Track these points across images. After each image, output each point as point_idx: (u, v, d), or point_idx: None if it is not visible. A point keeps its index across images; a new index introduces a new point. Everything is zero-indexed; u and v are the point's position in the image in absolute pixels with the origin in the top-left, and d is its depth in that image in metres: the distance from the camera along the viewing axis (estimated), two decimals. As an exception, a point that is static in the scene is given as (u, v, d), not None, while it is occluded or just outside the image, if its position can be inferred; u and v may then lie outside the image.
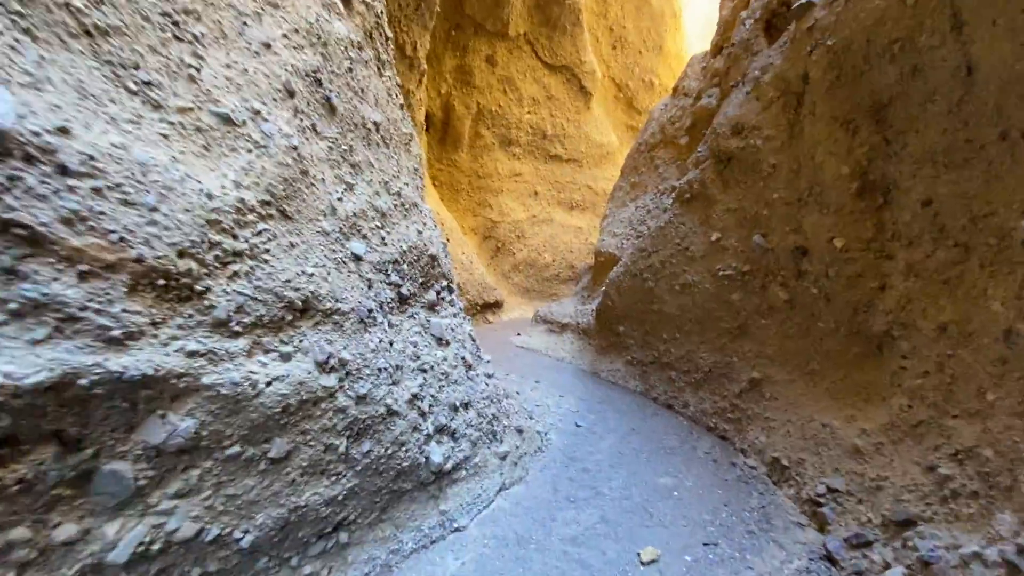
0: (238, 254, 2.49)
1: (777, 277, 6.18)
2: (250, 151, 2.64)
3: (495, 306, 16.26)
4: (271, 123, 2.82)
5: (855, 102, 4.95)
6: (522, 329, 14.11)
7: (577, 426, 7.21)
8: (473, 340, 5.41)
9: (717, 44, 9.29)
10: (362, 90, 4.03)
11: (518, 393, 8.31)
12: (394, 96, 4.87)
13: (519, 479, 5.42)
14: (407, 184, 4.53)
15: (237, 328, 2.47)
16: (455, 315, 5.18)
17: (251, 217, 2.57)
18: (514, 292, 18.83)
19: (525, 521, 4.78)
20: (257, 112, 2.77)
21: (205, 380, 2.31)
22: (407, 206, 4.35)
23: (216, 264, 2.37)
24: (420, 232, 4.40)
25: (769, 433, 6.17)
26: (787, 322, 6.16)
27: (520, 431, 5.73)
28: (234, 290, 2.45)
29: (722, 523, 5.06)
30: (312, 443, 3.01)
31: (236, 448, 2.57)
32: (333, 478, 3.23)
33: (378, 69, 4.54)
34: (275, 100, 2.93)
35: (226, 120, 2.58)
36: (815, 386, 5.79)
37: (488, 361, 5.79)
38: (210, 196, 2.33)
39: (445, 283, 4.99)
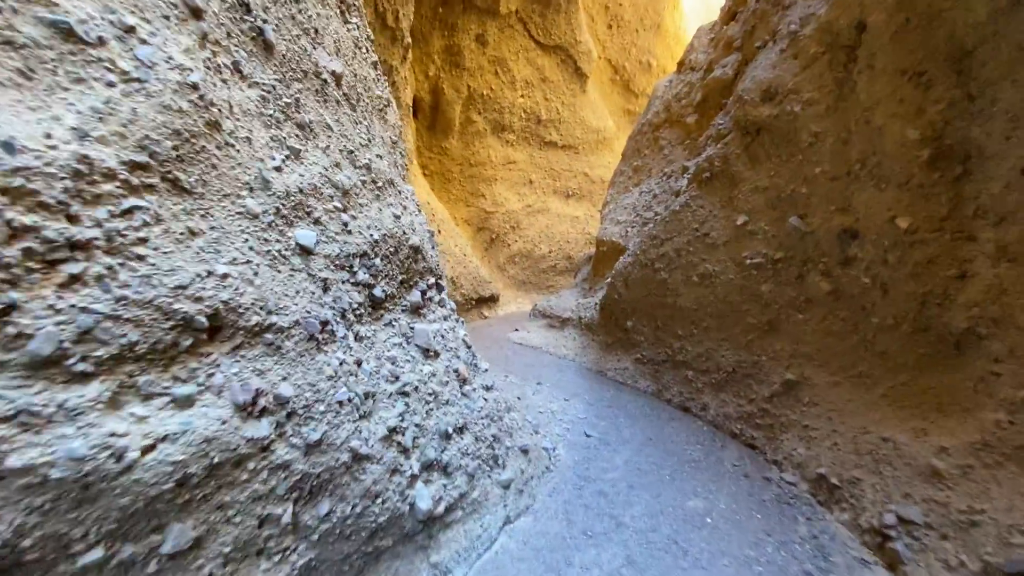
0: (80, 247, 1.50)
1: (818, 265, 5.23)
2: (112, 85, 1.64)
3: (491, 300, 15.31)
4: (154, 48, 1.81)
5: (929, 50, 3.97)
6: (520, 324, 13.15)
7: (587, 436, 6.27)
8: (468, 347, 4.42)
9: (730, 9, 8.26)
10: (316, 31, 2.99)
11: (519, 399, 7.35)
12: (364, 51, 3.83)
13: (526, 508, 4.47)
14: (381, 157, 3.51)
15: (83, 367, 1.49)
16: (446, 318, 4.19)
17: (108, 187, 1.57)
18: (510, 285, 17.90)
19: (535, 567, 3.83)
20: (130, 29, 1.76)
21: (14, 461, 1.33)
22: (380, 184, 3.33)
23: (28, 264, 1.39)
24: (398, 217, 3.38)
25: (809, 444, 5.25)
26: (829, 316, 5.22)
27: (525, 451, 4.77)
28: (73, 306, 1.47)
29: (770, 560, 4.14)
30: (238, 519, 2.03)
31: (98, 553, 1.59)
32: (276, 557, 2.25)
33: (341, 12, 3.49)
34: (165, 18, 1.92)
35: (66, 34, 1.58)
36: (867, 391, 4.87)
37: (486, 370, 4.81)
38: (9, 148, 1.33)
39: (432, 280, 3.99)
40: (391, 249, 3.22)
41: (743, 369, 6.32)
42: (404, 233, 3.37)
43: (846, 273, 4.94)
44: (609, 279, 9.06)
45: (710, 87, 8.22)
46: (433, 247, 4.22)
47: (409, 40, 8.62)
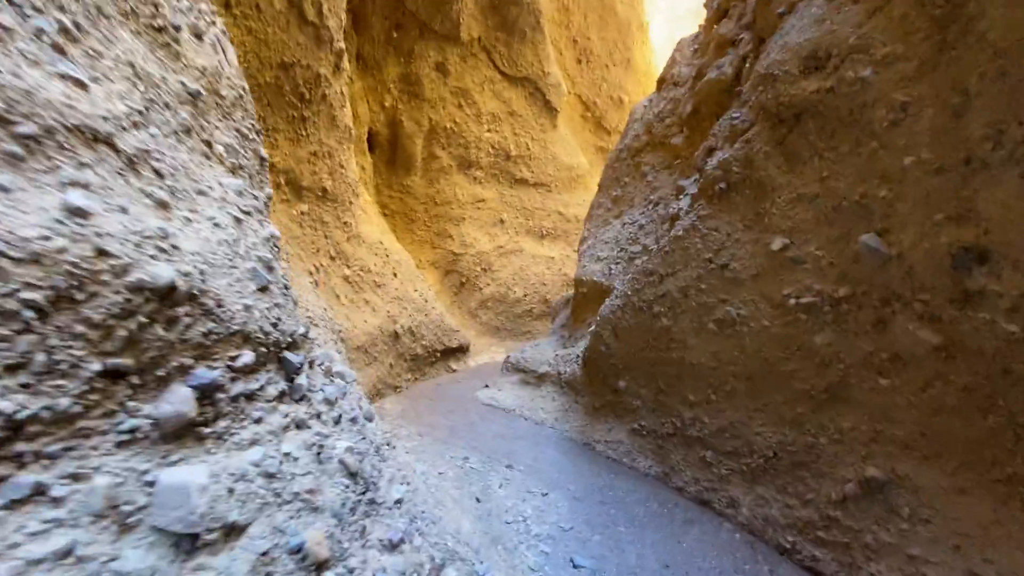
0: None
1: (912, 304, 3.30)
2: None
3: (459, 352, 13.12)
4: None
5: None
6: (492, 379, 10.95)
7: (575, 567, 4.06)
8: (353, 473, 2.28)
9: (720, 6, 6.77)
10: None
11: (479, 501, 5.09)
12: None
13: None
14: (85, 88, 1.46)
15: None
16: (299, 424, 2.08)
17: None
18: (483, 332, 15.83)
19: None
20: None
21: None
22: (34, 135, 1.28)
23: None
24: (79, 216, 1.32)
25: (928, 589, 3.15)
26: (937, 383, 3.25)
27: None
28: None
29: None
30: None
31: None
32: None
33: None
34: None
35: None
36: (1032, 511, 2.85)
37: (398, 502, 2.63)
38: None
39: (250, 355, 1.90)
40: (51, 291, 1.14)
41: (791, 454, 4.26)
42: (102, 254, 1.29)
43: (968, 316, 3.02)
44: (593, 326, 7.05)
45: (703, 94, 6.58)
46: (271, 288, 2.13)
47: (342, 46, 6.88)
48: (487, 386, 10.49)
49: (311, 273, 7.73)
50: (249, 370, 1.87)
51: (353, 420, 2.63)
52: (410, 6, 10.59)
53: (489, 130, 13.82)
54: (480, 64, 12.64)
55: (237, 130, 2.49)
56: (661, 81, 8.80)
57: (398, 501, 2.61)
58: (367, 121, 11.91)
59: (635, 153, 9.11)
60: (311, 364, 2.41)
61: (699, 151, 6.36)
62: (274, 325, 2.02)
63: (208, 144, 2.16)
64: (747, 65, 5.32)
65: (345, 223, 8.64)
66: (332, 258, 8.47)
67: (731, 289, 4.53)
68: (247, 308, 1.85)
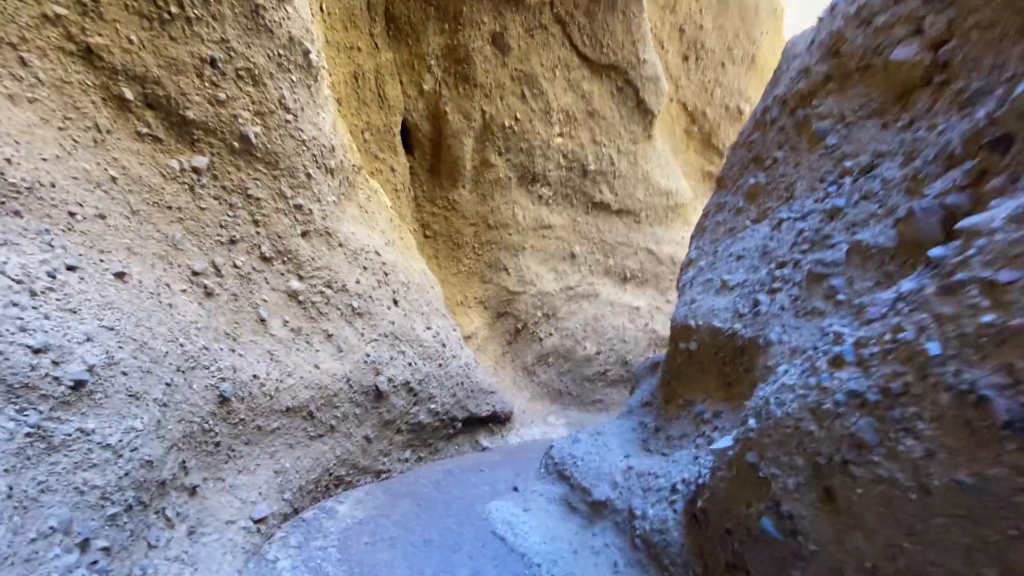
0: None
1: None
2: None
3: (493, 421, 8.83)
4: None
5: None
6: (526, 477, 6.50)
7: None
8: None
9: None
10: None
11: None
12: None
13: None
14: None
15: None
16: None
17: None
18: (540, 394, 11.51)
19: None
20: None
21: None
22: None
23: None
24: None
25: None
26: None
27: None
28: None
29: None
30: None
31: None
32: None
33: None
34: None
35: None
36: None
37: None
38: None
39: None
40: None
41: None
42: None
43: None
44: (730, 440, 2.50)
45: None
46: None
47: None
48: (516, 489, 6.08)
49: (195, 275, 4.20)
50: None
51: None
52: (456, -53, 7.53)
53: (561, 133, 10.10)
54: (552, 40, 9.15)
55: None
56: (859, -34, 4.42)
57: None
58: (400, 109, 8.80)
59: (800, 101, 4.68)
60: None
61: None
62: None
63: None
64: None
65: (298, 207, 5.14)
66: (265, 259, 4.95)
67: None
68: None
